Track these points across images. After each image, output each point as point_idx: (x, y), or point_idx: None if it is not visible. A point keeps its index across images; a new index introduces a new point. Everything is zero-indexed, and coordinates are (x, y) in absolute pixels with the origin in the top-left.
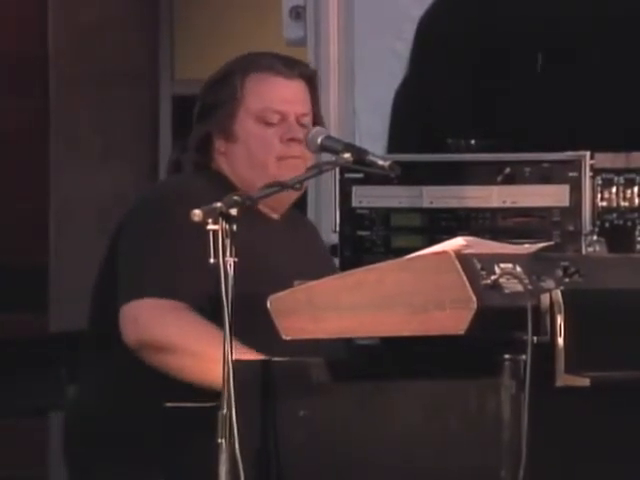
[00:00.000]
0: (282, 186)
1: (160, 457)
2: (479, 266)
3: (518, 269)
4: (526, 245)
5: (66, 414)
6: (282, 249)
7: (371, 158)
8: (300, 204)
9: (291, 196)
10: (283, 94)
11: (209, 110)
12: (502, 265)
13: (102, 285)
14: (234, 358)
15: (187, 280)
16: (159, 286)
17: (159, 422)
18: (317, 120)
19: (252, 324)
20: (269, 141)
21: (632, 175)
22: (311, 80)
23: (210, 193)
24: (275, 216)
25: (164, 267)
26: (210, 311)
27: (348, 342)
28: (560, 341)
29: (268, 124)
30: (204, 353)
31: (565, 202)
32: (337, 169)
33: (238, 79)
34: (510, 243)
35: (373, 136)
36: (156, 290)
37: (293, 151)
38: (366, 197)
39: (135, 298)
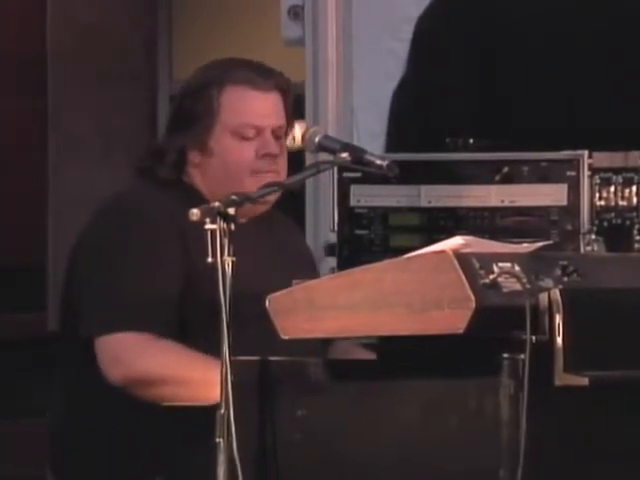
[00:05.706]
0: (280, 186)
1: (158, 457)
2: (478, 265)
3: (517, 268)
4: (524, 244)
5: (49, 428)
6: (246, 251)
7: (369, 157)
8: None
9: (255, 210)
10: (260, 108)
11: (184, 121)
12: (501, 264)
13: (66, 301)
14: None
15: (157, 305)
16: (131, 319)
17: (157, 423)
18: (288, 128)
19: (214, 327)
20: (245, 156)
21: (630, 174)
22: (286, 90)
23: (178, 207)
24: (242, 220)
25: (132, 296)
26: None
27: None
28: (559, 340)
29: (244, 138)
30: (191, 379)
31: (563, 201)
32: (335, 168)
33: (214, 92)
34: (508, 242)
35: (371, 135)
36: (129, 323)
37: (269, 166)
38: (364, 196)
39: (108, 332)
